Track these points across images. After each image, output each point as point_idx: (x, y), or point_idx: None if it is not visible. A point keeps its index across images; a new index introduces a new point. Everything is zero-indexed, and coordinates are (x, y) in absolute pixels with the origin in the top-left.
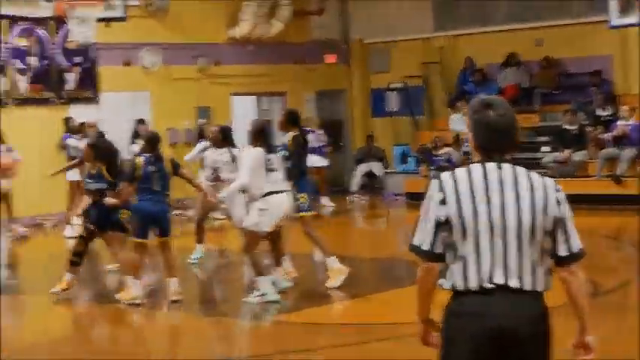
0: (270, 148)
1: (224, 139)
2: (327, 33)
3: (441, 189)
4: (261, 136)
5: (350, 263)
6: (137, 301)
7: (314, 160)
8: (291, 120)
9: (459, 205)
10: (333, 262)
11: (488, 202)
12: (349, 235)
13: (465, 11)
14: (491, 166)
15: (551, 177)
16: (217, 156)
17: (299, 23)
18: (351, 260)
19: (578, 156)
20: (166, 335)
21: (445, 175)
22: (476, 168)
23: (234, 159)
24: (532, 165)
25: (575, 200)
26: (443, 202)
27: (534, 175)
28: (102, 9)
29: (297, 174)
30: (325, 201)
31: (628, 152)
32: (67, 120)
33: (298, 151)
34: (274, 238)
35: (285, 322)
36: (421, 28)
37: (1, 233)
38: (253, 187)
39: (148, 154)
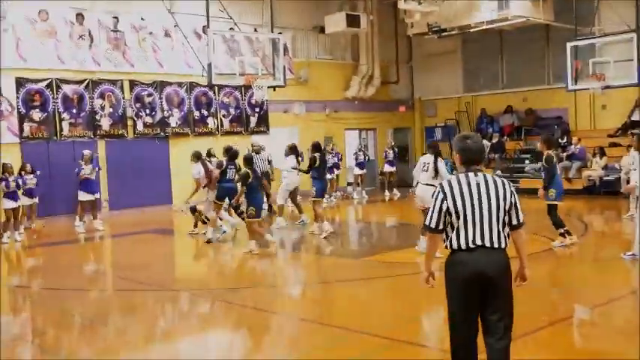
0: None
1: (314, 150)
2: (400, 94)
3: (443, 191)
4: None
5: (405, 227)
6: (255, 252)
7: (387, 168)
8: (315, 147)
9: (454, 200)
10: None
11: (471, 197)
12: (408, 209)
13: (481, 80)
14: (471, 174)
15: (532, 179)
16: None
17: (384, 88)
18: (406, 225)
19: (536, 167)
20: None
21: (445, 183)
22: (462, 176)
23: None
24: (519, 171)
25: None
26: (444, 199)
27: (497, 178)
28: (271, 80)
29: None
30: (396, 191)
31: (576, 164)
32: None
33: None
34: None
35: (373, 260)
36: (455, 90)
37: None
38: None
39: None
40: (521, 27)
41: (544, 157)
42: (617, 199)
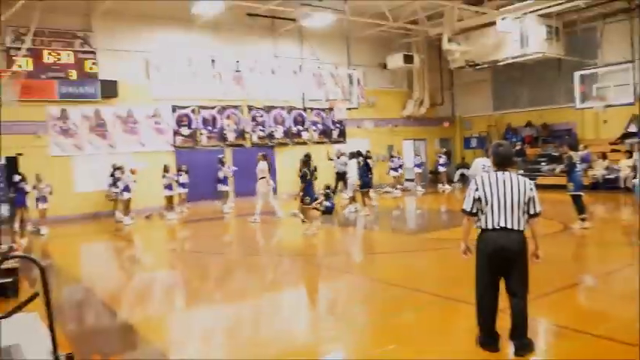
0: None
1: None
2: (444, 112)
3: (476, 183)
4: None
5: (451, 212)
6: (310, 233)
7: (440, 168)
8: (356, 154)
9: (483, 191)
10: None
11: (497, 189)
12: (454, 199)
13: (507, 101)
14: (499, 172)
15: (547, 177)
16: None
17: (432, 108)
18: (452, 211)
19: (559, 168)
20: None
21: (478, 177)
22: (492, 174)
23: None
24: (537, 171)
25: (555, 187)
26: (477, 189)
27: (520, 177)
28: (348, 104)
29: None
30: (447, 186)
31: (583, 166)
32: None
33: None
34: None
35: (426, 237)
36: (486, 109)
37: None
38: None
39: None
40: (539, 60)
41: (565, 157)
42: (617, 193)
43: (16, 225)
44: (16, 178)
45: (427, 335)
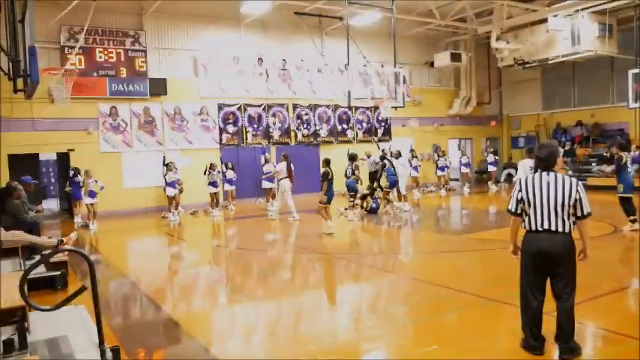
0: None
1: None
2: (492, 111)
3: (520, 185)
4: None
5: (496, 213)
6: (331, 232)
7: (490, 167)
8: (382, 157)
9: (526, 192)
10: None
11: (541, 191)
12: (500, 199)
13: (556, 100)
14: (544, 174)
15: (598, 178)
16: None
17: (479, 107)
18: (498, 211)
19: (609, 168)
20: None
21: (522, 179)
22: (537, 175)
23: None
24: (587, 171)
25: (607, 188)
26: (520, 190)
27: (567, 178)
28: (393, 102)
29: None
30: (494, 186)
31: (635, 166)
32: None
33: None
34: None
35: (470, 237)
36: (535, 108)
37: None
38: None
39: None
40: (591, 58)
41: (616, 158)
42: None
43: (77, 219)
44: (71, 172)
45: (469, 336)
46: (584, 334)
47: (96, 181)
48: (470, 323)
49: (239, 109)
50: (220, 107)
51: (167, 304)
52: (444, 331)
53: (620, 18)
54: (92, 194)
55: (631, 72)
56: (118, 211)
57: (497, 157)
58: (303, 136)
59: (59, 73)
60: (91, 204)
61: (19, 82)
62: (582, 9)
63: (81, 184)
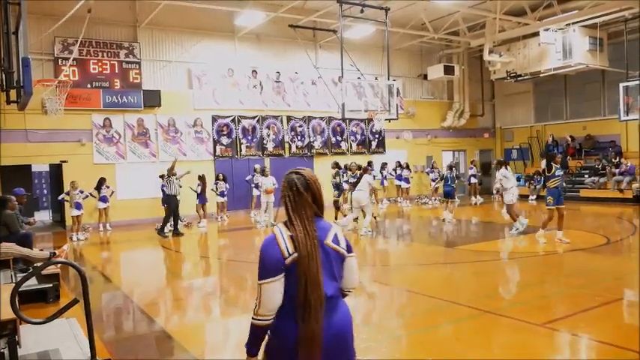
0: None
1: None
2: (485, 124)
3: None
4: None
5: (487, 224)
6: (349, 229)
7: (472, 180)
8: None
9: None
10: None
11: None
12: (490, 211)
13: (549, 112)
14: None
15: (589, 189)
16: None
17: (472, 119)
18: (488, 223)
19: (602, 180)
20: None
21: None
22: None
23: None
24: (580, 183)
25: (599, 199)
26: None
27: None
28: (387, 115)
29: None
30: (478, 199)
31: (627, 178)
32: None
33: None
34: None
35: (463, 249)
36: (528, 121)
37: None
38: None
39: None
40: (582, 71)
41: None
42: None
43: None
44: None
45: (464, 349)
46: (579, 346)
47: (81, 192)
48: (465, 335)
49: (233, 121)
50: (214, 119)
51: (160, 316)
52: (438, 344)
53: (611, 32)
54: (78, 206)
55: (622, 85)
56: (112, 223)
57: (478, 170)
58: (297, 148)
59: (53, 85)
60: (77, 216)
61: (12, 93)
62: (573, 23)
63: (74, 197)
